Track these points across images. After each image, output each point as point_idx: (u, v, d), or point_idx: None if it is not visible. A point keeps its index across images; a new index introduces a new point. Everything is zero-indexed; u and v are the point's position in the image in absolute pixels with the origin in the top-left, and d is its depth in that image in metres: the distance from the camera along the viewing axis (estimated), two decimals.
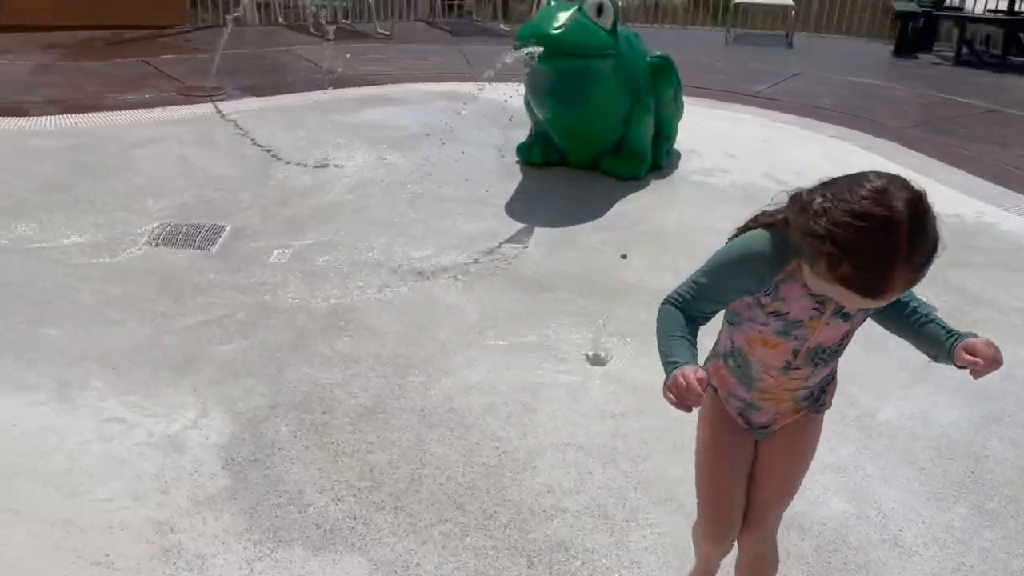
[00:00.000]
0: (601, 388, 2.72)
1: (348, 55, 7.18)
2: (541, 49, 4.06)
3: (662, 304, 1.49)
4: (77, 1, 7.99)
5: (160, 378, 2.64)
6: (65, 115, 5.20)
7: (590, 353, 2.91)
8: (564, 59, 4.16)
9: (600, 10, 4.29)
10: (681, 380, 1.33)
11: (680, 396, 1.33)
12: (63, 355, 2.73)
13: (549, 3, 4.32)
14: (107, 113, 5.33)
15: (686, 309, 1.46)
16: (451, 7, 9.89)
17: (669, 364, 1.38)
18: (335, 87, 6.36)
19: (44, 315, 3.00)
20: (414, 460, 2.32)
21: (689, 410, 1.36)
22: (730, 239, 1.48)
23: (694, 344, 1.43)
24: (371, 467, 2.29)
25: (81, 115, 5.24)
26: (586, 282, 3.50)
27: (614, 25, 4.39)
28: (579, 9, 4.25)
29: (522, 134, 5.01)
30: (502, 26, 9.65)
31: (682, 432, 2.45)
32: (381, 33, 8.69)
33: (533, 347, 2.97)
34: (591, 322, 3.11)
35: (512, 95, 4.71)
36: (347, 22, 9.25)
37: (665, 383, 1.37)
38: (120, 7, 8.17)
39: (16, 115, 5.13)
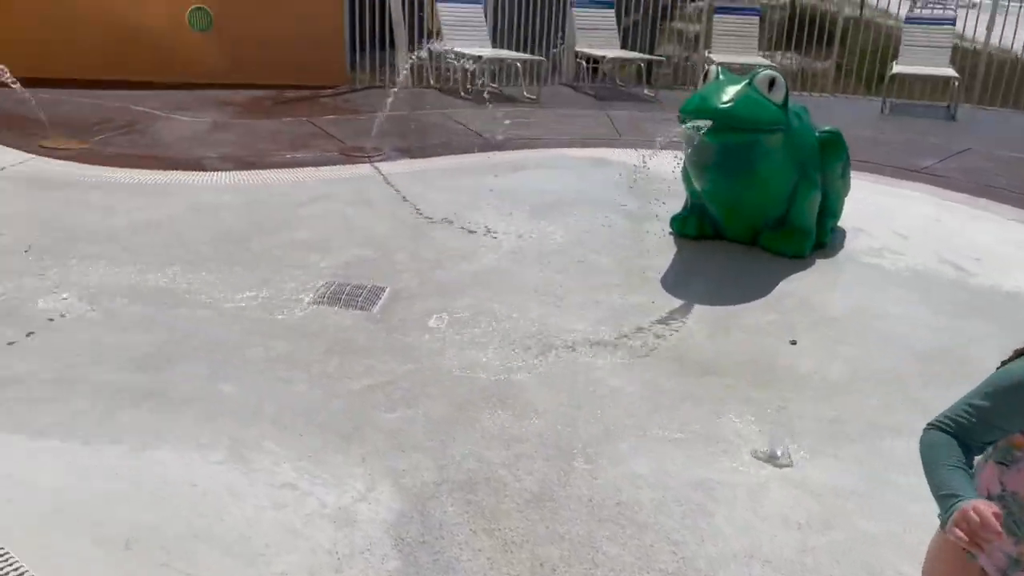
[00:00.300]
0: (781, 491, 2.53)
1: (498, 118, 7.33)
2: (708, 123, 3.97)
3: (928, 428, 1.34)
4: (249, 62, 8.58)
5: (329, 444, 2.65)
6: (238, 171, 5.52)
7: (766, 450, 2.73)
8: (732, 134, 4.05)
9: (772, 84, 4.17)
10: (973, 515, 1.18)
11: (972, 533, 1.18)
12: (238, 413, 2.80)
13: (718, 76, 4.24)
14: (276, 170, 5.61)
15: (960, 436, 1.30)
16: (594, 71, 9.99)
17: (948, 497, 1.23)
18: (486, 150, 6.50)
19: (220, 370, 3.10)
20: (586, 559, 2.20)
21: (983, 550, 1.20)
22: (1009, 359, 1.32)
23: (972, 476, 1.27)
24: (542, 562, 2.19)
25: (253, 171, 5.54)
26: (754, 368, 3.32)
27: (785, 100, 4.25)
28: (749, 83, 4.14)
29: (675, 204, 4.91)
30: (646, 91, 9.65)
31: (877, 555, 2.24)
32: (528, 97, 8.85)
33: (702, 438, 2.81)
34: (764, 414, 2.93)
35: (662, 163, 4.64)
36: (495, 86, 9.49)
37: (946, 516, 1.22)
38: (286, 68, 8.71)
39: (196, 170, 5.47)
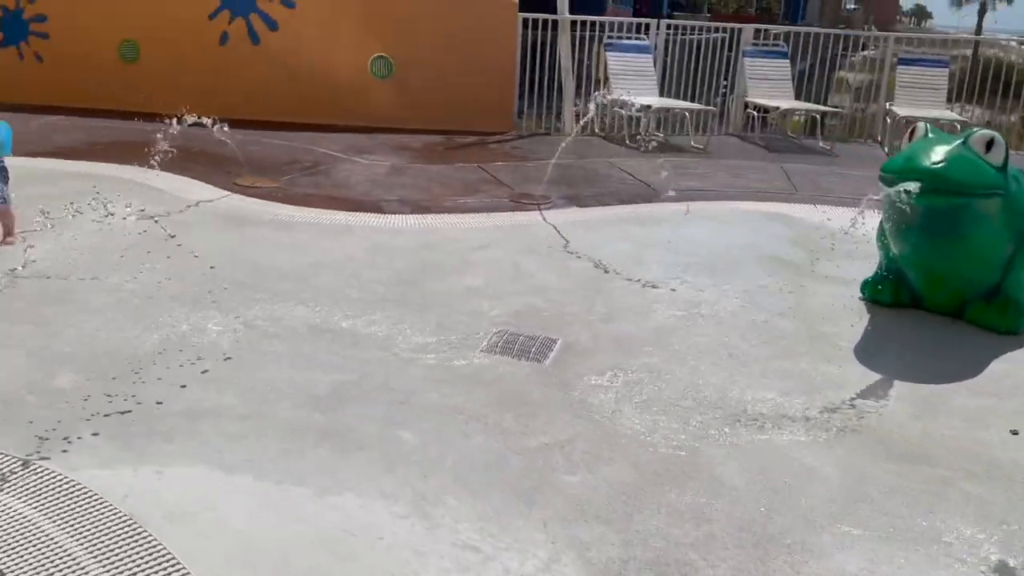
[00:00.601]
0: None
1: (666, 168, 7.18)
2: (917, 185, 3.65)
3: None
4: (423, 108, 8.90)
5: (510, 505, 2.56)
6: (414, 215, 5.66)
7: (999, 560, 2.39)
8: (943, 196, 3.71)
9: (990, 145, 3.80)
10: None
11: None
12: (418, 463, 2.77)
13: (926, 134, 3.91)
14: (449, 215, 5.71)
15: None
16: (764, 122, 9.67)
17: None
18: (655, 201, 6.36)
19: (398, 416, 3.10)
20: None
21: None
22: None
23: None
24: None
25: (427, 215, 5.66)
26: (973, 461, 2.96)
27: (1005, 162, 3.87)
28: (964, 143, 3.80)
29: (865, 268, 4.57)
30: (821, 144, 9.22)
31: None
32: (696, 147, 8.66)
33: (920, 539, 2.50)
34: (990, 517, 2.59)
35: (849, 222, 4.33)
36: (661, 135, 9.36)
37: None
38: (458, 115, 8.97)
39: (374, 212, 5.66)
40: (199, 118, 5.60)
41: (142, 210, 5.12)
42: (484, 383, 3.42)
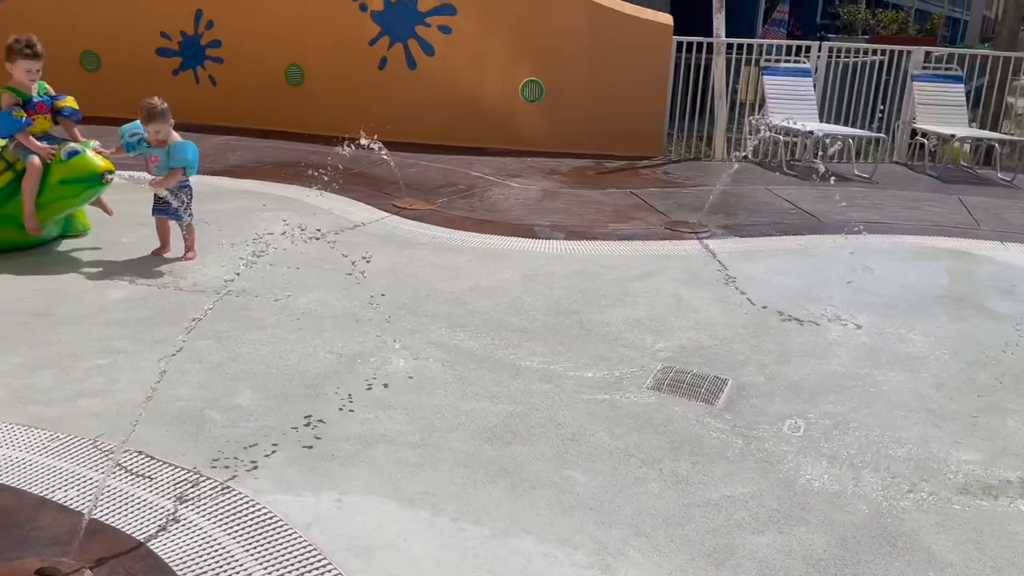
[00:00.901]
0: None
1: (830, 198, 6.79)
2: None
3: None
4: (572, 132, 8.85)
5: (697, 565, 2.38)
6: (568, 240, 5.57)
7: None
8: None
9: None
10: None
11: None
12: (594, 509, 2.63)
13: None
14: (603, 242, 5.58)
15: None
16: (932, 153, 9.00)
17: None
18: (822, 232, 6.00)
19: (567, 453, 2.98)
20: None
21: None
22: None
23: None
24: None
25: (581, 242, 5.56)
26: None
27: None
28: None
29: None
30: (1000, 175, 8.48)
31: None
32: (861, 176, 8.16)
33: None
34: None
35: None
36: (817, 161, 8.90)
37: None
38: (607, 138, 8.86)
39: (528, 236, 5.61)
40: (361, 141, 5.74)
41: (316, 229, 5.28)
42: (654, 424, 3.25)
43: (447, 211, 6.16)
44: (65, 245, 4.84)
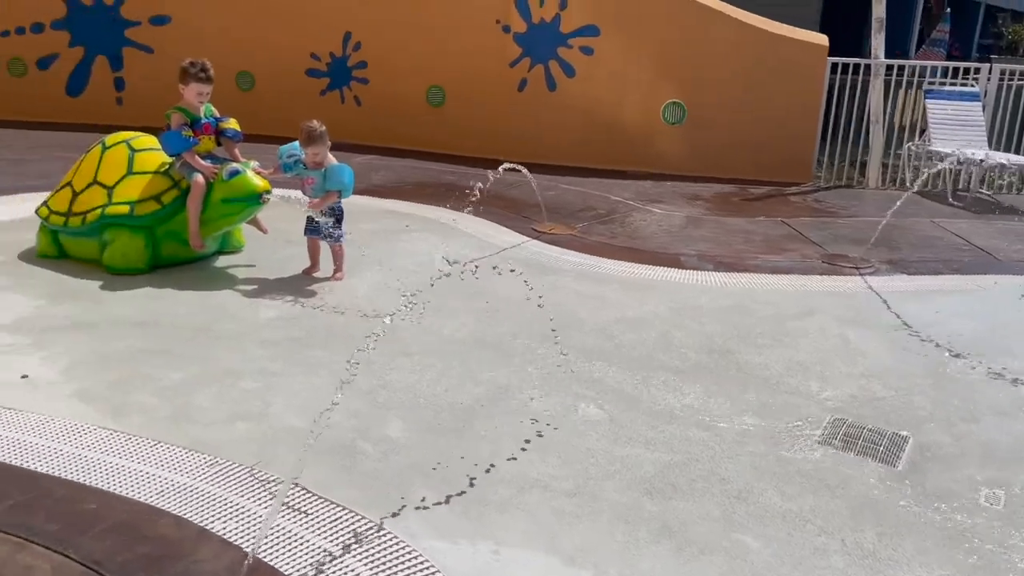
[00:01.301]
0: None
1: (1008, 234, 6.20)
2: None
3: None
4: (715, 155, 8.53)
5: None
6: (717, 272, 5.29)
7: None
8: None
9: None
10: None
11: None
12: None
13: None
14: (755, 275, 5.27)
15: None
16: None
17: None
18: (1003, 273, 5.45)
19: (734, 513, 2.74)
20: None
21: None
22: None
23: None
24: None
25: (732, 274, 5.26)
26: None
27: None
28: None
29: None
30: None
31: None
32: None
33: None
34: None
35: None
36: (989, 192, 8.20)
37: None
38: (750, 163, 8.49)
39: (674, 266, 5.36)
40: (504, 167, 5.67)
41: (458, 252, 5.25)
42: (829, 486, 2.95)
43: (588, 236, 6.00)
44: (222, 261, 4.99)
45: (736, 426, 3.38)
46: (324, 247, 4.84)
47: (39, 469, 2.69)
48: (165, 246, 4.71)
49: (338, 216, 4.74)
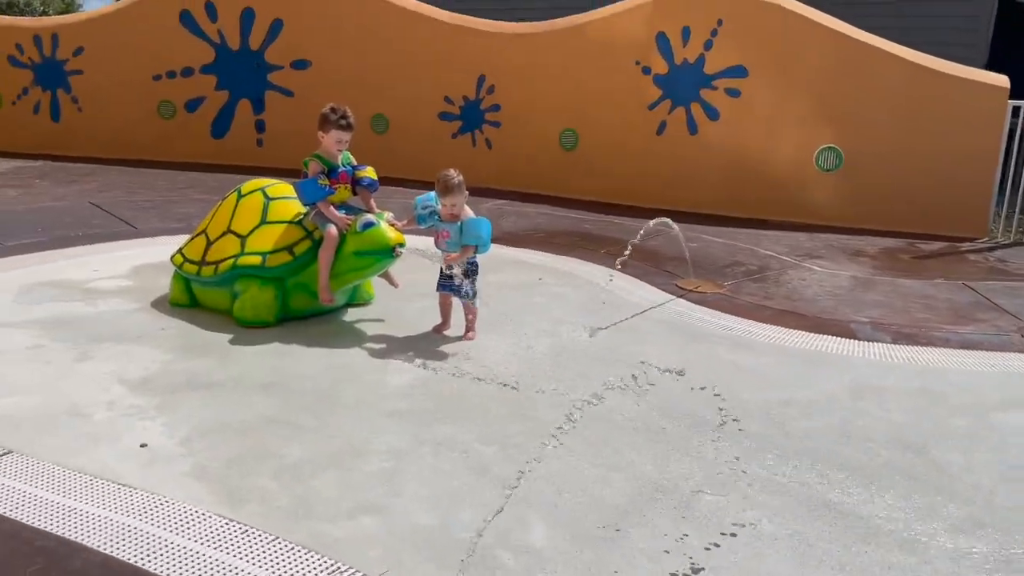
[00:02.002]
0: None
1: None
2: None
3: None
4: (874, 205, 7.76)
5: None
6: (898, 345, 4.61)
7: None
8: None
9: None
10: None
11: None
12: None
13: None
14: (943, 350, 4.55)
15: None
16: None
17: None
18: None
19: None
20: None
21: None
22: None
23: None
24: None
25: (915, 348, 4.57)
26: None
27: None
28: None
29: None
30: None
31: None
32: None
33: None
34: None
35: None
36: None
37: None
38: (915, 214, 7.67)
39: (845, 336, 4.71)
40: (659, 221, 5.25)
41: (597, 310, 4.81)
42: None
43: (738, 296, 5.43)
44: (350, 315, 4.76)
45: (949, 551, 2.75)
46: (456, 303, 4.52)
47: (144, 565, 2.42)
48: (295, 298, 4.52)
49: (473, 272, 4.41)
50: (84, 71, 10.57)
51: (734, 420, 3.63)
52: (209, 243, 4.60)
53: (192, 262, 4.60)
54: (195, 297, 4.69)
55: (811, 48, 7.84)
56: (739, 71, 8.04)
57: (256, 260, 4.39)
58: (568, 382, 3.93)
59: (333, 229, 4.33)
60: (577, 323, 4.74)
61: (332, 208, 4.38)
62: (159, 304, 4.77)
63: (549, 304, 5.12)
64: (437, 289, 4.48)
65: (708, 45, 8.08)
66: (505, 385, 3.89)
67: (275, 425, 3.35)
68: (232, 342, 4.24)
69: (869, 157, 7.76)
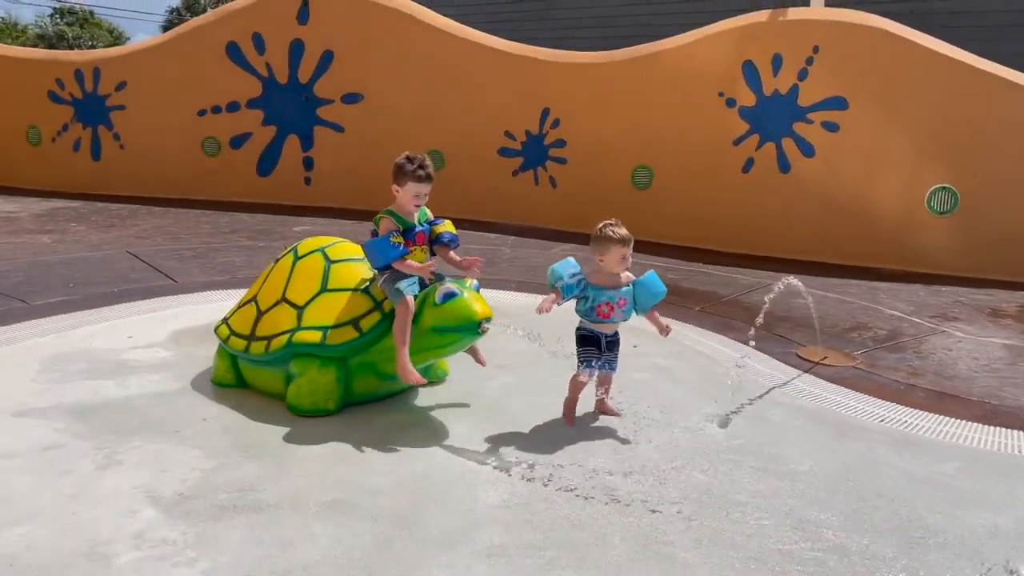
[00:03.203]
0: None
1: None
2: None
3: None
4: (1004, 255, 6.86)
5: None
6: None
7: None
8: None
9: None
10: None
11: None
12: None
13: None
14: None
15: None
16: None
17: None
18: None
19: None
20: None
21: None
22: None
23: None
24: None
25: None
26: None
27: None
28: None
29: None
30: None
31: None
32: None
33: None
34: None
35: None
36: None
37: None
38: None
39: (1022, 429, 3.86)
40: (788, 281, 4.47)
41: (706, 394, 4.00)
42: None
43: (877, 371, 4.59)
44: (423, 398, 4.01)
45: None
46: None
47: None
48: (359, 381, 3.79)
49: (615, 343, 3.76)
50: (127, 106, 10.11)
51: (921, 553, 2.78)
52: (260, 314, 3.91)
53: (240, 336, 3.91)
54: (242, 376, 3.99)
55: (920, 76, 7.01)
56: (838, 103, 7.23)
57: (315, 337, 3.67)
58: (697, 501, 3.12)
59: (409, 298, 3.59)
60: (690, 408, 3.95)
61: (410, 261, 3.63)
62: (200, 383, 4.07)
63: (655, 378, 4.34)
64: (587, 366, 3.68)
65: (803, 75, 7.30)
66: (622, 502, 3.10)
67: (345, 570, 2.60)
68: (287, 439, 3.51)
69: (989, 199, 6.88)
